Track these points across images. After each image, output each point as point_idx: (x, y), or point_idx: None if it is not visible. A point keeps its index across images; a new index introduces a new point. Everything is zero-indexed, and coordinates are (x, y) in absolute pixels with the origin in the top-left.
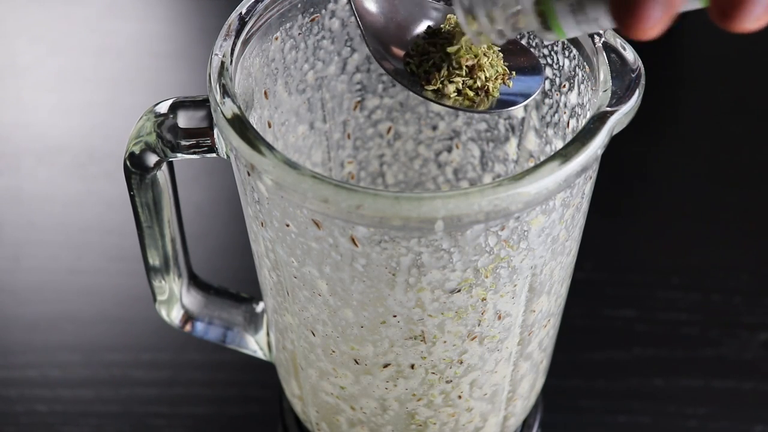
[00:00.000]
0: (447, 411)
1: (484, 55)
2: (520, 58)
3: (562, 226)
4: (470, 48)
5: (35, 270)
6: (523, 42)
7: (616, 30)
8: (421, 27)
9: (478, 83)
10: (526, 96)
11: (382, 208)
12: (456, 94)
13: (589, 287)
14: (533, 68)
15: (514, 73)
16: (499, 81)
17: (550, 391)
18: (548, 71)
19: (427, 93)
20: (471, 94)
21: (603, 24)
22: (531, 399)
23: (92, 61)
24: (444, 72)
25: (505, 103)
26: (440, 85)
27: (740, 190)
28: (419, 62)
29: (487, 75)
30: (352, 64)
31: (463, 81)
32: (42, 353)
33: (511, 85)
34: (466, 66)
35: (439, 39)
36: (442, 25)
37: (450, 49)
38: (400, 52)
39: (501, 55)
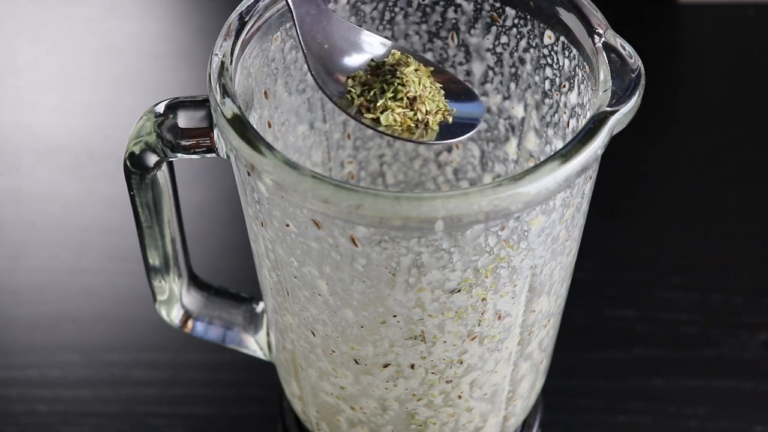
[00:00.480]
0: (447, 411)
1: (425, 88)
2: (462, 97)
3: (562, 226)
4: (412, 81)
5: (35, 270)
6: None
7: None
8: (365, 57)
9: (419, 116)
10: (463, 133)
11: (382, 208)
12: (395, 123)
13: (589, 287)
14: (474, 108)
15: (455, 110)
16: (440, 116)
17: (550, 391)
18: (548, 71)
19: (365, 120)
20: (411, 124)
21: None
22: (531, 399)
23: (92, 61)
24: (383, 103)
25: (443, 136)
26: (379, 115)
27: (740, 190)
28: (360, 92)
29: (428, 108)
30: None
31: (403, 112)
32: (42, 353)
33: (451, 120)
34: (408, 97)
35: (381, 71)
36: (385, 59)
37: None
38: (342, 78)
39: (442, 92)
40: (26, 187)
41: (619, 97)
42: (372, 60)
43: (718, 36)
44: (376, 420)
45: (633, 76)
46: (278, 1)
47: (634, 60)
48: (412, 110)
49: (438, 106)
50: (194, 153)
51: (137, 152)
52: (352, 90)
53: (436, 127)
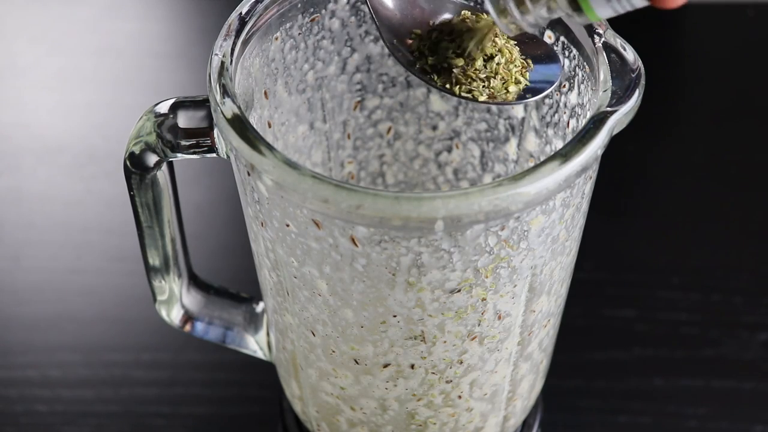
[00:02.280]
0: (447, 411)
1: (500, 50)
2: (536, 50)
3: (562, 226)
4: (486, 41)
5: (35, 270)
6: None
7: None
8: (435, 20)
9: (498, 76)
10: (548, 85)
11: (382, 208)
12: (474, 86)
13: (589, 287)
14: (550, 58)
15: (531, 65)
16: (518, 73)
17: (550, 391)
18: None
19: (443, 86)
20: (491, 85)
21: (634, 1)
22: (531, 399)
23: (92, 61)
24: (459, 70)
25: (527, 93)
26: (455, 80)
27: (740, 190)
28: (435, 58)
29: (506, 68)
30: (352, 64)
31: (479, 75)
32: (42, 353)
33: (527, 76)
34: (484, 58)
35: (453, 34)
36: (455, 21)
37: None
38: (415, 45)
39: (516, 48)
40: (26, 187)
41: (619, 97)
42: (444, 21)
43: (718, 36)
44: (376, 420)
45: (633, 76)
46: (278, 1)
47: (634, 60)
48: (489, 71)
49: (515, 64)
50: (194, 153)
51: (137, 152)
52: (426, 55)
53: (516, 85)
